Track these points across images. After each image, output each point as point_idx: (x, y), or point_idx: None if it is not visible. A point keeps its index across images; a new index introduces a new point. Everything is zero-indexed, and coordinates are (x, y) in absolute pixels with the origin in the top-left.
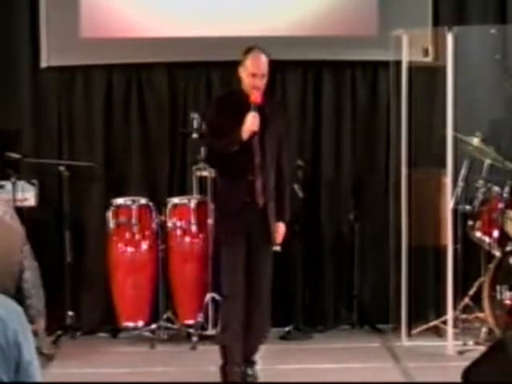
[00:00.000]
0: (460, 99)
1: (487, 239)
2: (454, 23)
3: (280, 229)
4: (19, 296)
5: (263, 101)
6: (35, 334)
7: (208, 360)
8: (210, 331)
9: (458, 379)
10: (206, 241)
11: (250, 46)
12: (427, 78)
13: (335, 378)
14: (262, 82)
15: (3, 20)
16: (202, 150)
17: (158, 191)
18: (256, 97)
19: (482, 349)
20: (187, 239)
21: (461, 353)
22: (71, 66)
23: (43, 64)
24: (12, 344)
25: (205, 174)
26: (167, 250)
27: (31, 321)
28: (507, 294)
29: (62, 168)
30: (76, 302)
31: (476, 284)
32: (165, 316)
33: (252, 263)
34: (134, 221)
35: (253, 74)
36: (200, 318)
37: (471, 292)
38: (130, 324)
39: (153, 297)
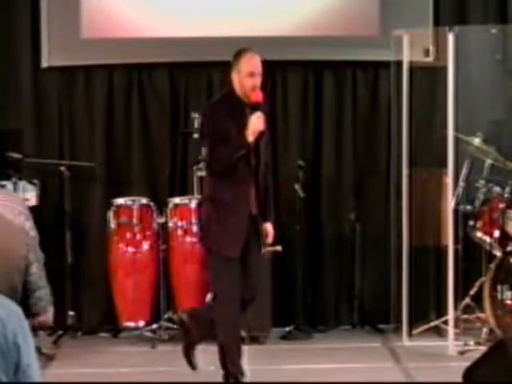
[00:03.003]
0: (461, 99)
1: (488, 239)
2: (455, 23)
3: (269, 230)
4: (26, 290)
5: (264, 99)
6: (45, 325)
7: (209, 360)
8: None
9: (459, 379)
10: None
11: (240, 48)
12: (428, 78)
13: (336, 378)
14: (259, 81)
15: (4, 20)
16: (203, 151)
17: (158, 191)
18: (258, 96)
19: (483, 349)
20: (188, 239)
21: (462, 353)
22: (72, 66)
23: (44, 64)
24: (11, 345)
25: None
26: (168, 250)
27: (41, 312)
28: (508, 294)
29: (62, 168)
30: (77, 301)
31: (477, 284)
32: (166, 316)
33: (248, 267)
34: (134, 221)
35: (251, 74)
36: None
37: (472, 292)
38: (131, 324)
39: (154, 297)
